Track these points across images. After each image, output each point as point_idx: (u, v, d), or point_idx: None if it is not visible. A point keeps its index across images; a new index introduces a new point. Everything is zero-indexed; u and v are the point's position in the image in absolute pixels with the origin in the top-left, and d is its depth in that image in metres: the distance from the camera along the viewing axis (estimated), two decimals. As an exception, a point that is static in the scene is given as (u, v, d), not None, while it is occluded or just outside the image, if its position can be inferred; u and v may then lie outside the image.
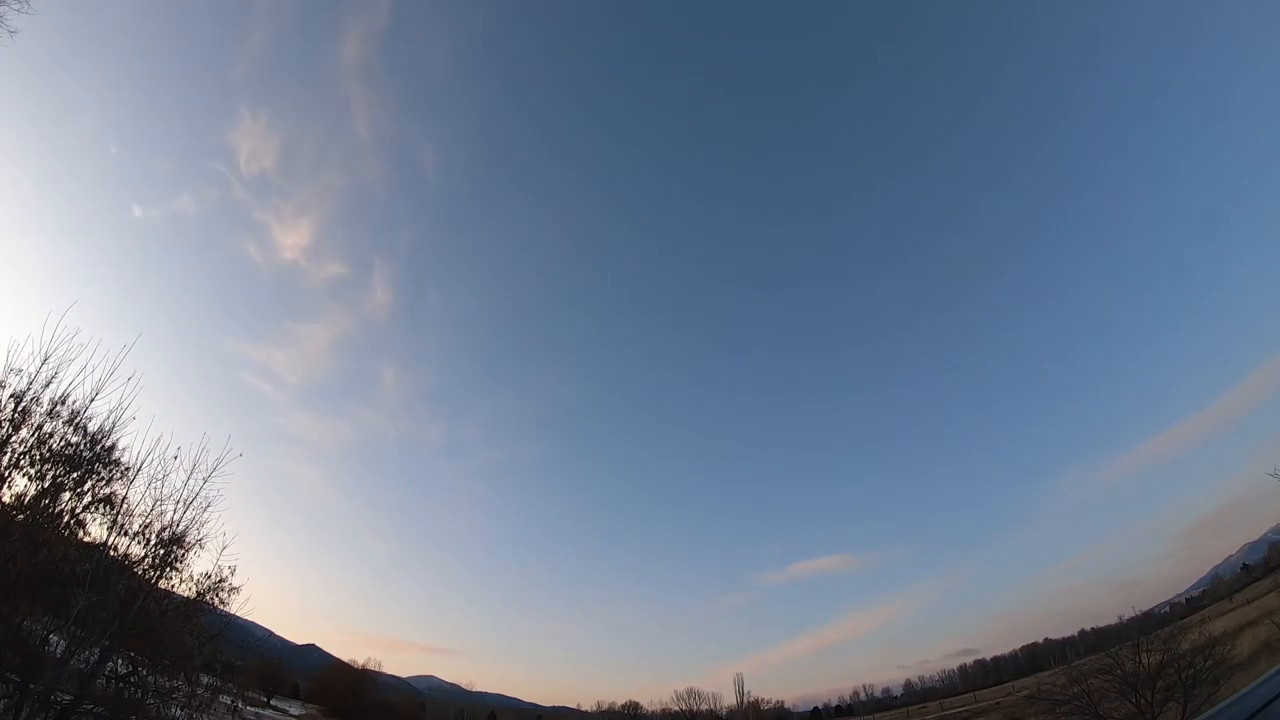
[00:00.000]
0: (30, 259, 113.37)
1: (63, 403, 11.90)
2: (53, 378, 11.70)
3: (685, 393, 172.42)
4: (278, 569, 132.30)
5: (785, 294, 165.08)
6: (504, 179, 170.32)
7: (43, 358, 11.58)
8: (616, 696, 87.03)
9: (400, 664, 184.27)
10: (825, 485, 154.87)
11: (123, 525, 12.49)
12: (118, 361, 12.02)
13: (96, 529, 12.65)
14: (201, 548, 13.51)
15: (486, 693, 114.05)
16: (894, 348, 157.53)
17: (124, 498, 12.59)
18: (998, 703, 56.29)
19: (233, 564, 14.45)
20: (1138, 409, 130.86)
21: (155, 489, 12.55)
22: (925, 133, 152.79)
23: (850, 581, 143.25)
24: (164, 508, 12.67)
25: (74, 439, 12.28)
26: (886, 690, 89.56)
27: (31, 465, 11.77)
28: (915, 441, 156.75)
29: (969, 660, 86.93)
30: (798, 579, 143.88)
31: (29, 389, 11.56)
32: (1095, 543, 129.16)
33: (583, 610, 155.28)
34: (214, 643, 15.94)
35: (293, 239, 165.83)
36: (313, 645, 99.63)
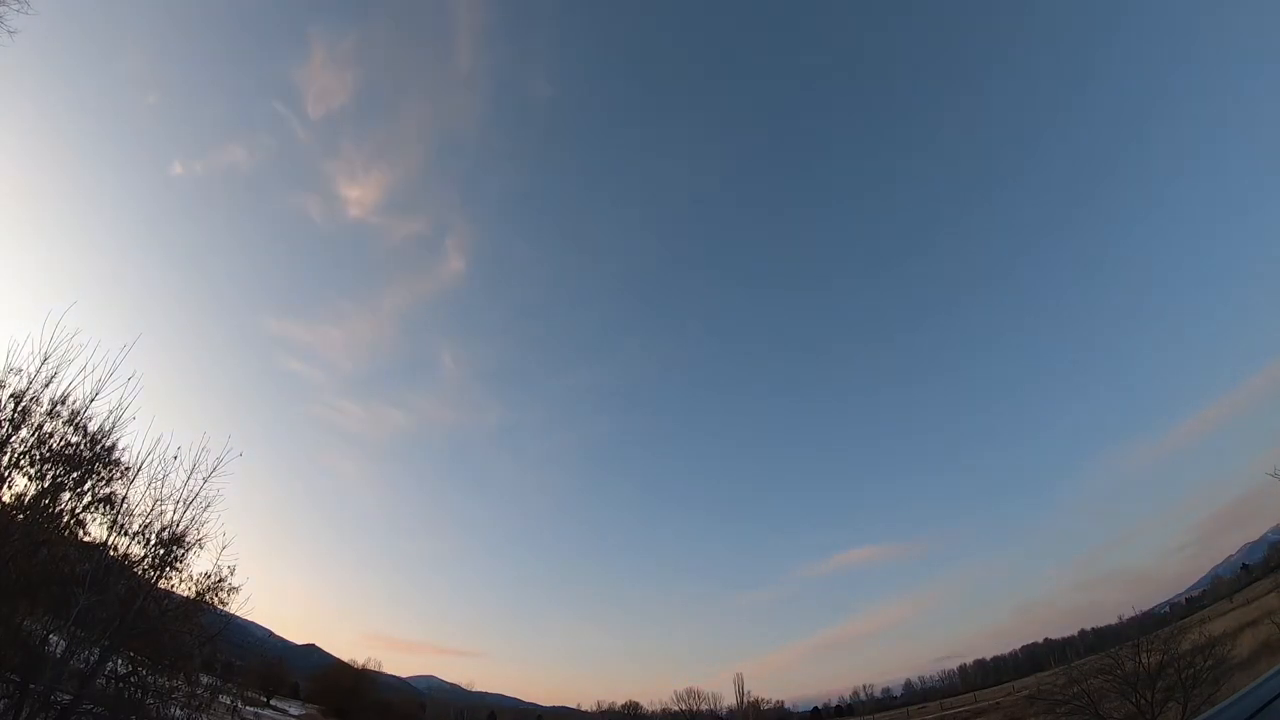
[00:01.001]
0: (30, 257, 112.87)
1: (63, 402, 11.92)
2: (53, 377, 11.73)
3: (714, 389, 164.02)
4: (279, 568, 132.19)
5: (829, 288, 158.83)
6: (626, 116, 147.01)
7: (43, 357, 11.60)
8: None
9: (401, 664, 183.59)
10: (847, 481, 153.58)
11: (123, 525, 12.50)
12: (118, 361, 12.04)
13: (96, 529, 12.66)
14: (201, 547, 13.53)
15: (486, 693, 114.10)
16: (936, 334, 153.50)
17: (124, 498, 12.59)
18: (998, 703, 56.27)
19: (232, 564, 14.48)
20: (1155, 399, 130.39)
21: (155, 489, 12.57)
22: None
23: (876, 574, 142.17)
24: (164, 507, 12.69)
25: (74, 439, 12.29)
26: (886, 690, 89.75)
27: (31, 465, 11.78)
28: (945, 434, 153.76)
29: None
30: (800, 583, 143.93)
31: (29, 389, 11.58)
32: (1112, 537, 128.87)
33: (593, 609, 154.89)
34: (214, 643, 15.94)
35: (363, 193, 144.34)
36: (313, 645, 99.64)
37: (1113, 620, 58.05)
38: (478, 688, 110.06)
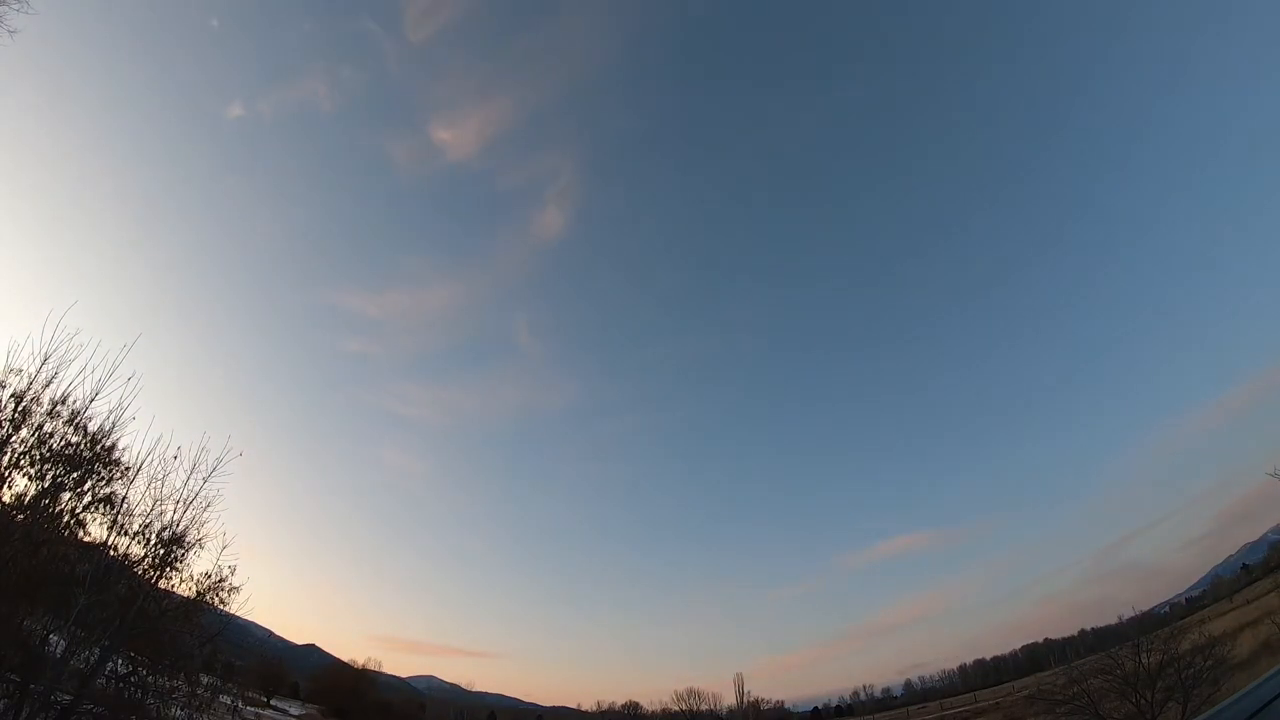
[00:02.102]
0: (31, 256, 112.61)
1: (63, 402, 11.92)
2: (53, 377, 11.73)
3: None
4: (282, 567, 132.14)
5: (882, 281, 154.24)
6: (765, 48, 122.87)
7: (43, 357, 11.60)
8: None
9: (401, 664, 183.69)
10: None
11: (123, 525, 12.51)
12: (118, 361, 12.06)
13: (96, 529, 12.67)
14: (201, 547, 13.54)
15: (486, 693, 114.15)
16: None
17: (124, 498, 12.60)
18: (998, 703, 56.29)
19: (233, 564, 14.47)
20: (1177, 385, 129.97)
21: (155, 489, 12.59)
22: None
23: (916, 563, 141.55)
24: (164, 507, 12.71)
25: (74, 439, 12.29)
26: (887, 690, 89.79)
27: (32, 465, 11.78)
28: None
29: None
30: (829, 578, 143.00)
31: (29, 389, 11.58)
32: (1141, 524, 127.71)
33: (600, 611, 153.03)
34: (214, 643, 15.94)
35: (458, 135, 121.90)
36: (313, 645, 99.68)
37: (1113, 620, 58.12)
38: (478, 688, 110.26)
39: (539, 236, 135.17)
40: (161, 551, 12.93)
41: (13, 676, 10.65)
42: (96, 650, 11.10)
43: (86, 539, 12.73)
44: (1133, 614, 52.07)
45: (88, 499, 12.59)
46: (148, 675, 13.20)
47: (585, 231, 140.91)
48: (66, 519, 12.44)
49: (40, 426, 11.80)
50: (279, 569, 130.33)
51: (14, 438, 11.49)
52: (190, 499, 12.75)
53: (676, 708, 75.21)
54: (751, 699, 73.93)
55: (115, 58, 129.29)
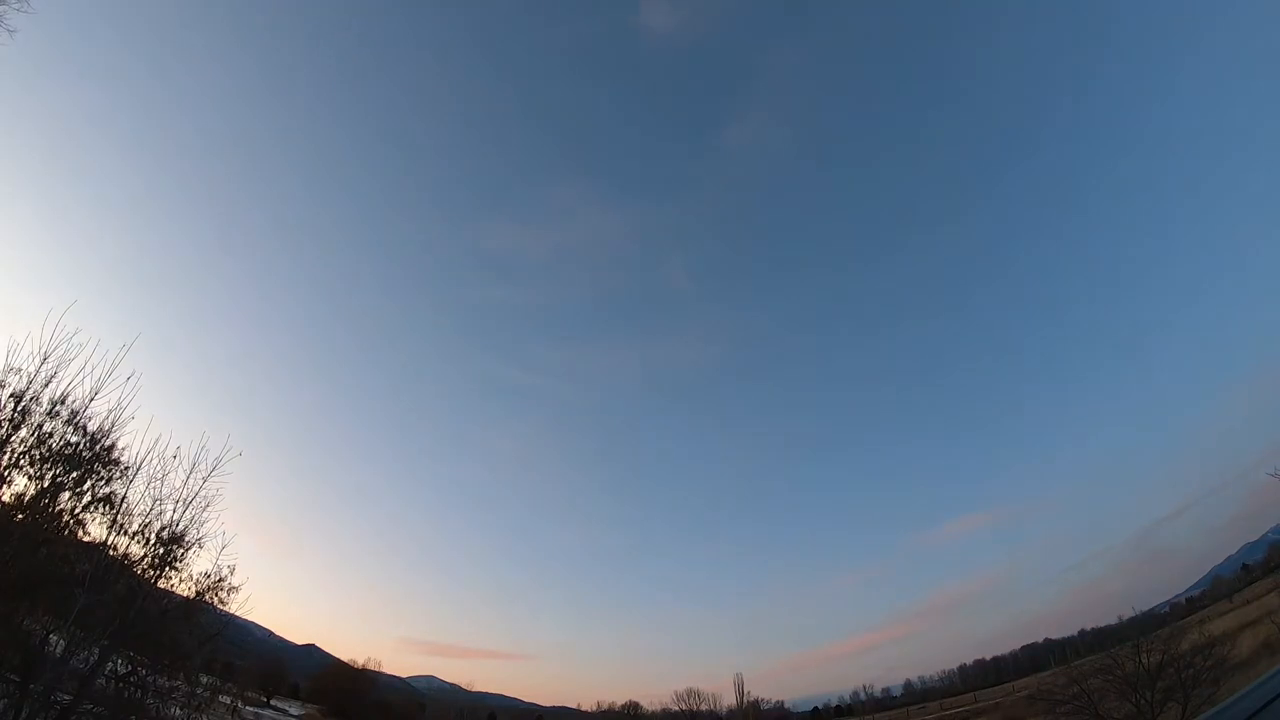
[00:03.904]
0: (32, 256, 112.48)
1: (62, 402, 11.89)
2: (52, 377, 11.69)
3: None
4: (284, 567, 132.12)
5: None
6: None
7: (42, 357, 11.57)
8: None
9: (401, 664, 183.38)
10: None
11: (122, 525, 12.49)
12: (117, 361, 12.02)
13: (96, 529, 12.64)
14: (201, 547, 13.51)
15: (486, 693, 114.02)
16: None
17: (123, 497, 12.58)
18: (998, 703, 56.30)
19: (232, 563, 14.47)
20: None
21: (155, 488, 12.56)
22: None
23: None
24: (163, 507, 12.68)
25: (74, 439, 12.27)
26: (886, 690, 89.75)
27: (31, 465, 11.76)
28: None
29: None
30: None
31: (29, 389, 11.56)
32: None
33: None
34: (214, 643, 15.94)
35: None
36: (313, 645, 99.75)
37: (1114, 620, 58.12)
38: (477, 688, 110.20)
39: (731, 140, 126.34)
40: (161, 551, 12.92)
41: (13, 676, 10.64)
42: (96, 650, 11.09)
43: (86, 539, 12.72)
44: (1133, 614, 52.16)
45: (87, 499, 12.58)
46: (147, 675, 13.18)
47: (790, 136, 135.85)
48: (66, 519, 12.43)
49: (40, 426, 11.78)
50: (279, 569, 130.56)
51: (13, 437, 11.48)
52: (190, 499, 12.74)
53: (676, 708, 75.30)
54: (751, 699, 74.00)
55: (115, 57, 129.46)
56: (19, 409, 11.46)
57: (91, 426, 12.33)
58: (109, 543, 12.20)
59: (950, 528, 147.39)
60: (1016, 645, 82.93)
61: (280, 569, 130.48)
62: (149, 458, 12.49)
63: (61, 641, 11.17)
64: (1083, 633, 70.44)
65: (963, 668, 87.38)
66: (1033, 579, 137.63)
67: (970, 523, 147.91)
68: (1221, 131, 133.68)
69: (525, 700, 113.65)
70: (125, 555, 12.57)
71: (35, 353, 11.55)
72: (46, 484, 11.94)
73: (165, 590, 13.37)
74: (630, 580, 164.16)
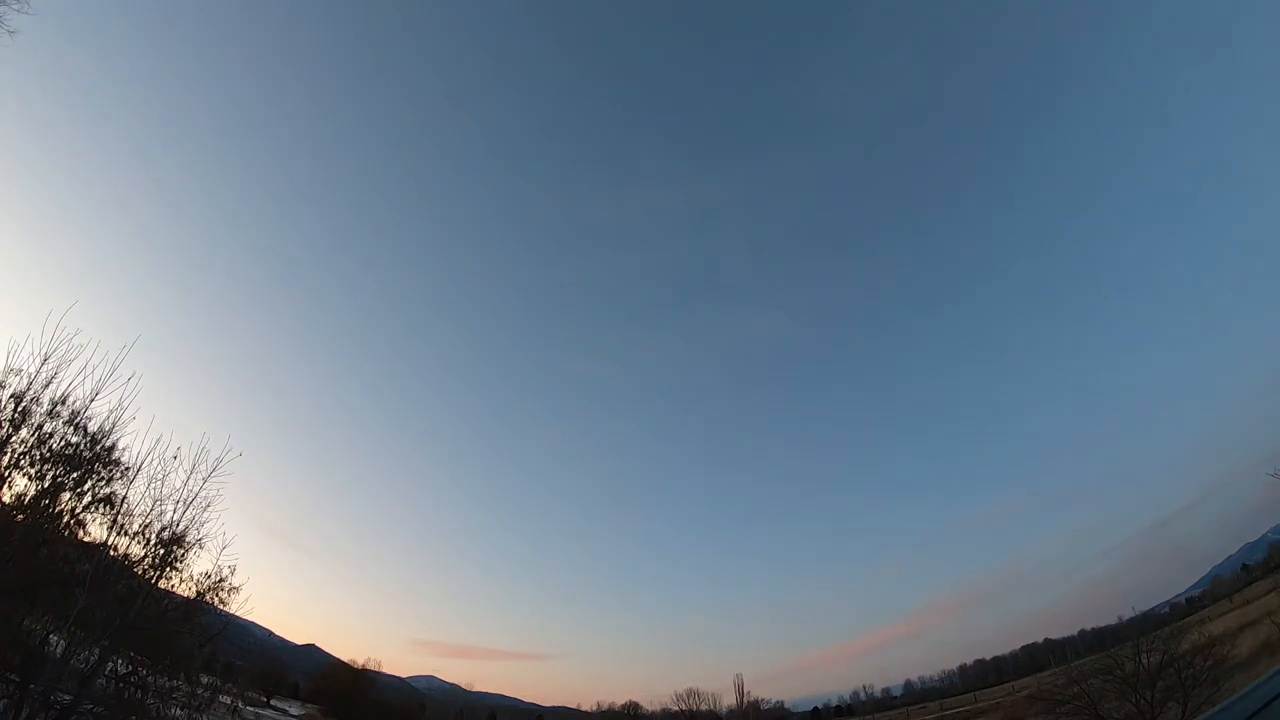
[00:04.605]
0: (30, 255, 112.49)
1: (63, 403, 11.90)
2: (53, 378, 11.70)
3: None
4: (284, 567, 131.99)
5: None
6: None
7: (42, 358, 11.58)
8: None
9: (401, 664, 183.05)
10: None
11: (123, 525, 12.48)
12: (118, 362, 12.01)
13: (96, 529, 12.65)
14: (201, 547, 13.52)
15: (486, 692, 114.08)
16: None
17: (124, 498, 12.58)
18: (998, 703, 56.26)
19: (232, 563, 14.47)
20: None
21: (155, 489, 12.54)
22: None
23: None
24: (164, 507, 12.67)
25: (74, 439, 12.28)
26: (886, 690, 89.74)
27: (31, 465, 11.77)
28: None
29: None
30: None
31: (29, 389, 11.57)
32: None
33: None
34: (214, 643, 15.95)
35: None
36: (313, 645, 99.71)
37: (1114, 620, 58.13)
38: (478, 688, 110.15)
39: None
40: (161, 551, 12.92)
41: (13, 676, 10.64)
42: (96, 650, 11.08)
43: (86, 539, 12.72)
44: (1133, 614, 52.18)
45: (87, 499, 12.59)
46: (148, 675, 13.17)
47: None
48: (66, 519, 12.43)
49: (40, 427, 11.79)
50: (279, 569, 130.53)
51: (14, 438, 11.49)
52: (190, 499, 12.72)
53: (676, 708, 75.27)
54: (751, 699, 73.98)
55: (116, 59, 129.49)
56: (19, 409, 11.48)
57: (92, 427, 12.36)
58: (109, 543, 12.20)
59: (950, 527, 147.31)
60: (1016, 645, 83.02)
61: (280, 569, 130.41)
62: (149, 458, 12.49)
63: (62, 642, 11.16)
64: (1083, 633, 70.59)
65: (963, 668, 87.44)
66: (1033, 579, 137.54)
67: (970, 522, 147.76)
68: (1222, 131, 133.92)
69: (525, 700, 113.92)
70: (125, 556, 12.57)
71: (36, 354, 11.57)
72: (47, 484, 11.94)
73: (165, 590, 13.38)
74: (630, 580, 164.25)
